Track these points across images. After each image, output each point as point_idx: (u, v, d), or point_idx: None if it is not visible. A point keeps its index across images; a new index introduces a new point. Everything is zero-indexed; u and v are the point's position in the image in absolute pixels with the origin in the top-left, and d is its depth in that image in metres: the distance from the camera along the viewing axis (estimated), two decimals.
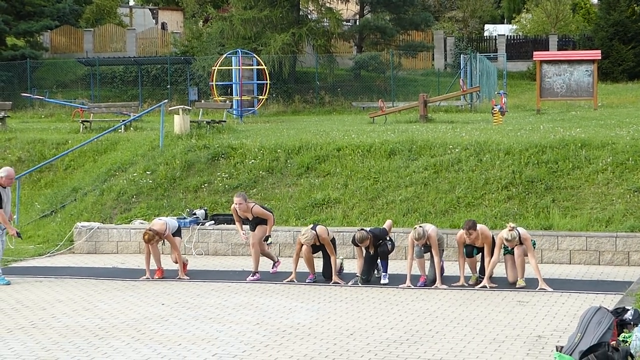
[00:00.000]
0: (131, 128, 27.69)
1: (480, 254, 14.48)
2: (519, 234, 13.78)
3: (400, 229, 16.82)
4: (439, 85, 43.30)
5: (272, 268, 15.80)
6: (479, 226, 14.22)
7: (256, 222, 15.42)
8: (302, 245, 14.60)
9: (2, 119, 28.54)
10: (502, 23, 65.35)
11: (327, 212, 18.47)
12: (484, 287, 14.01)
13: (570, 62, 32.09)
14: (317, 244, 14.68)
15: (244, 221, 15.61)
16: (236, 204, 15.28)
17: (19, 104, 37.36)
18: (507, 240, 13.71)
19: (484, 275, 14.22)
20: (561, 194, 17.74)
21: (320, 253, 15.04)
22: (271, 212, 15.88)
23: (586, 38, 54.06)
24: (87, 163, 23.52)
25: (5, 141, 25.89)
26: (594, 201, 17.36)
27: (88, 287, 14.93)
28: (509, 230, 13.71)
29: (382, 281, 14.60)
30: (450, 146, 19.93)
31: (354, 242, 14.65)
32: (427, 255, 14.62)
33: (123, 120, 27.90)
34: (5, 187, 15.40)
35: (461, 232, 14.34)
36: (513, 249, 13.98)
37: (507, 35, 57.90)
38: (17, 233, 15.66)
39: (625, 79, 48.70)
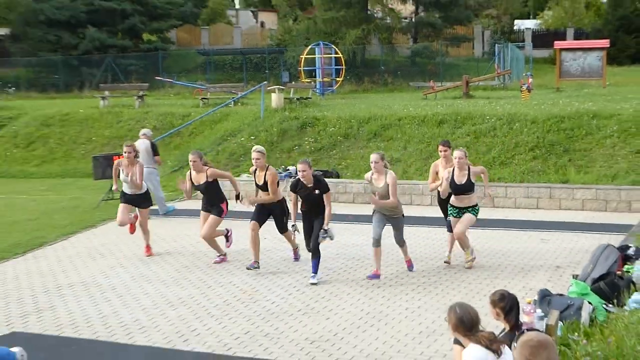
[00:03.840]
0: (239, 104, 27.92)
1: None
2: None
3: None
4: (478, 69, 42.64)
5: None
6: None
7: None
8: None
9: (141, 96, 29.06)
10: (529, 18, 63.93)
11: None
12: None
13: (584, 49, 31.43)
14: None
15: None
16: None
17: (153, 85, 37.85)
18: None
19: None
20: (576, 154, 17.44)
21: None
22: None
23: (597, 30, 52.48)
24: (206, 130, 23.84)
25: (144, 114, 26.40)
26: (602, 160, 17.03)
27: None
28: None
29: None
30: (487, 117, 19.70)
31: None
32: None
33: (232, 98, 28.17)
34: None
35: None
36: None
37: (533, 29, 56.67)
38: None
39: (629, 62, 47.48)
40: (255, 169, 10.98)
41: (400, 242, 10.70)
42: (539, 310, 6.66)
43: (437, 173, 11.37)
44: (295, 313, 8.92)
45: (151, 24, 50.61)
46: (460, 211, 10.75)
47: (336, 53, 35.59)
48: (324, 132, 20.83)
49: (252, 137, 21.21)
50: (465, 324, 5.19)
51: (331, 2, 44.11)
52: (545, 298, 7.78)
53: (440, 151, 11.38)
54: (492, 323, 6.65)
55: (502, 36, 52.01)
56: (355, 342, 7.83)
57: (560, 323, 6.95)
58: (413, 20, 50.38)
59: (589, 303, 7.72)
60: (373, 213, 10.56)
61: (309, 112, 22.79)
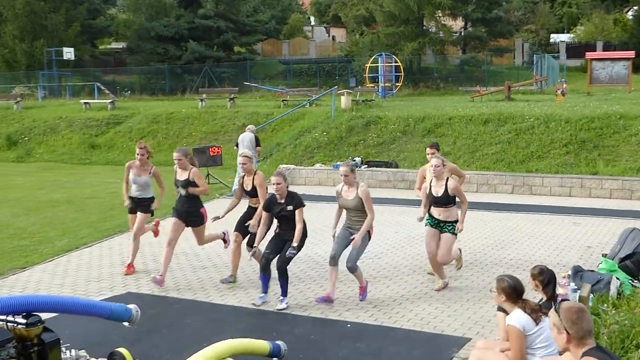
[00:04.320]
0: (313, 105, 27.93)
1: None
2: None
3: (491, 172, 16.46)
4: (518, 76, 41.64)
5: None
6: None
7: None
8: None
9: (232, 99, 29.33)
10: (563, 32, 62.09)
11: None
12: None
13: (612, 59, 30.53)
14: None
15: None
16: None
17: (242, 89, 38.14)
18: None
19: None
20: (605, 150, 16.91)
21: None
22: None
23: (623, 43, 50.66)
24: (286, 127, 23.90)
25: (235, 113, 26.61)
26: (628, 155, 16.48)
27: None
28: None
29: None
30: (527, 117, 19.24)
31: None
32: None
33: (308, 100, 28.19)
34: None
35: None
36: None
37: (567, 41, 55.09)
38: None
39: None
40: (243, 175, 8.72)
41: (353, 266, 7.86)
42: (572, 284, 6.49)
43: (424, 177, 9.14)
44: None
45: (241, 38, 51.26)
46: (439, 224, 8.25)
47: (396, 62, 35.25)
48: (385, 129, 20.68)
49: (325, 133, 21.20)
50: (517, 292, 5.20)
51: (392, 19, 43.67)
52: (578, 273, 7.56)
53: (428, 154, 9.04)
54: (531, 294, 6.48)
55: (539, 48, 50.75)
56: (412, 307, 7.75)
57: (591, 295, 6.74)
58: (462, 34, 49.53)
59: (617, 278, 7.49)
60: (336, 230, 8.19)
61: (373, 112, 22.64)
